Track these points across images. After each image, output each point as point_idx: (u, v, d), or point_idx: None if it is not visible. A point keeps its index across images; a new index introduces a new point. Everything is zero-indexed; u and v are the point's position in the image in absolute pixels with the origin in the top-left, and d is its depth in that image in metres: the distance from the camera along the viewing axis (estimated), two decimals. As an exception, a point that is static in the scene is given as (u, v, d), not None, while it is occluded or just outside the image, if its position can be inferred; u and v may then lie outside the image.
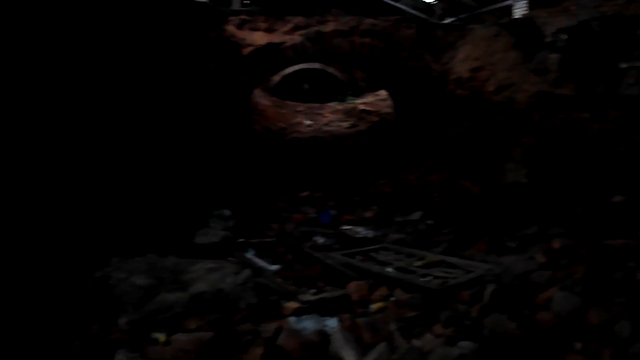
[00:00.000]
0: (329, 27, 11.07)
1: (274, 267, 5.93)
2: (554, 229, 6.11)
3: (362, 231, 7.84)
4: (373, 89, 18.34)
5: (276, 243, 6.97)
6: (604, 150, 6.75)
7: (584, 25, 7.92)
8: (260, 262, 6.00)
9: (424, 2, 14.48)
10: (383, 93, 16.25)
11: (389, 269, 5.64)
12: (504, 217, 7.09)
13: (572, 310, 3.96)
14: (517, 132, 8.49)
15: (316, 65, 18.74)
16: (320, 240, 7.30)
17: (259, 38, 10.71)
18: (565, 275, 4.62)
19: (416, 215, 8.31)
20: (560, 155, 7.43)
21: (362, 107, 17.19)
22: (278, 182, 10.54)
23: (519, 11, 11.92)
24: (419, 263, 5.83)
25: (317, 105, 18.78)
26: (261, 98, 16.55)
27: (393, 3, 14.19)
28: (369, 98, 17.94)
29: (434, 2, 14.47)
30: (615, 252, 4.84)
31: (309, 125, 16.40)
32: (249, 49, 10.43)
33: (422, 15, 13.73)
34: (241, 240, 6.73)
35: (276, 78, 18.67)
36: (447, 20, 13.40)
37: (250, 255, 6.25)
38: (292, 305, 4.57)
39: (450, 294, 4.71)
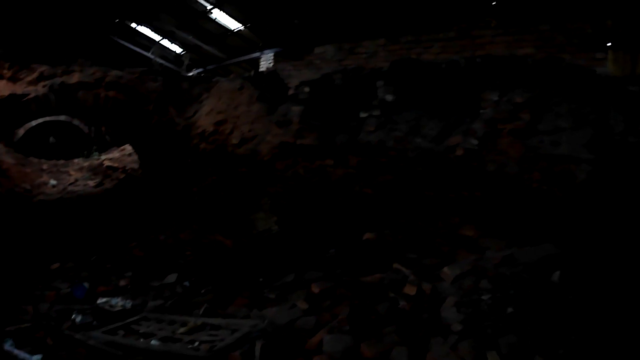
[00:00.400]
0: (74, 78, 10.27)
1: (36, 358, 5.08)
2: (311, 274, 6.16)
3: (119, 302, 7.10)
4: (119, 143, 17.67)
5: (33, 328, 5.99)
6: (349, 193, 7.08)
7: (326, 78, 8.38)
8: (21, 354, 5.08)
9: (173, 52, 14.36)
10: (129, 148, 15.63)
11: (154, 342, 5.15)
12: (261, 268, 7.01)
13: (344, 349, 3.97)
14: (263, 183, 8.58)
15: (62, 118, 17.75)
16: (78, 318, 6.46)
17: (2, 88, 9.61)
18: (330, 317, 4.67)
19: (172, 278, 7.81)
20: (308, 200, 7.65)
21: (107, 163, 16.32)
22: (26, 255, 9.25)
23: (265, 64, 12.42)
24: (182, 329, 5.41)
25: (62, 162, 17.46)
26: (4, 155, 14.85)
27: (142, 52, 13.84)
28: (115, 153, 17.17)
29: (183, 53, 14.40)
30: (374, 286, 5.03)
31: (54, 186, 14.97)
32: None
33: (171, 66, 13.56)
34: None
35: (20, 131, 17.27)
36: (195, 72, 13.38)
37: (8, 346, 5.27)
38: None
39: (220, 357, 4.46)
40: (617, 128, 5.26)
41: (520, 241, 5.10)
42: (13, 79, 10.01)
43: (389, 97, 7.23)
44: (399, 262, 5.44)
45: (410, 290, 4.69)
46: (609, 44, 9.07)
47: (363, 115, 7.41)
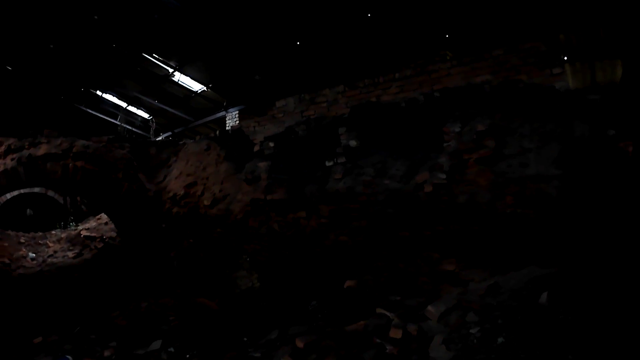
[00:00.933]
0: (42, 150, 10.17)
1: None
2: (294, 328, 6.02)
3: None
4: (95, 212, 17.58)
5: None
6: (325, 243, 7.00)
7: (290, 130, 8.39)
8: None
9: (140, 117, 14.40)
10: (105, 216, 15.50)
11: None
12: (245, 326, 6.87)
13: None
14: (239, 241, 8.48)
15: (36, 190, 17.78)
16: (63, 395, 6.29)
17: (-29, 163, 9.44)
18: None
19: (156, 345, 7.61)
20: (285, 254, 7.56)
21: (85, 233, 16.13)
22: (7, 330, 9.01)
23: (230, 122, 12.47)
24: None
25: (40, 234, 17.19)
26: None
27: (108, 119, 13.85)
28: (92, 222, 17.02)
29: (149, 117, 14.44)
30: (358, 334, 4.91)
31: (33, 259, 14.73)
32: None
33: (138, 132, 13.58)
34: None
35: None
36: (162, 136, 13.40)
37: None
38: None
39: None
40: (583, 138, 5.27)
41: (503, 268, 5.03)
42: (-19, 153, 9.90)
43: (353, 143, 7.23)
44: (382, 306, 5.31)
45: (396, 333, 4.57)
46: (565, 58, 9.19)
47: (329, 163, 7.39)
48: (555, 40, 9.53)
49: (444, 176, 5.84)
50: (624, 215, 4.61)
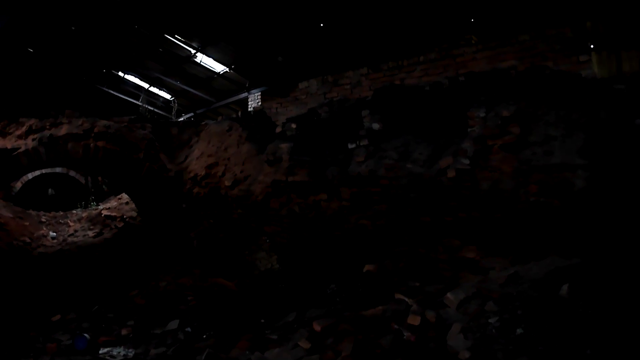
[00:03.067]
0: (63, 130, 10.28)
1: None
2: (312, 311, 6.04)
3: (121, 351, 6.98)
4: (116, 192, 17.72)
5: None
6: (345, 226, 6.97)
7: (312, 112, 8.34)
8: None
9: (162, 98, 14.42)
10: (126, 196, 15.60)
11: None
12: (263, 308, 6.88)
13: None
14: (260, 222, 8.47)
15: (58, 170, 17.89)
16: (80, 371, 6.37)
17: (-7, 143, 9.54)
18: (334, 355, 4.51)
19: (173, 325, 7.69)
20: (306, 237, 7.54)
21: (106, 212, 16.25)
22: (27, 307, 9.14)
23: (252, 103, 12.43)
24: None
25: (61, 213, 17.40)
26: (2, 209, 14.76)
27: (129, 99, 13.89)
28: (113, 202, 17.11)
29: (172, 99, 14.45)
30: (376, 319, 4.88)
31: (53, 238, 14.90)
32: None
33: (160, 112, 13.61)
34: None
35: (18, 185, 17.36)
36: (184, 117, 13.41)
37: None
38: None
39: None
40: (609, 128, 5.18)
41: (524, 257, 4.97)
42: (2, 134, 10.11)
43: (376, 126, 7.15)
44: (401, 291, 5.28)
45: (414, 320, 4.54)
46: (592, 46, 9.04)
47: (351, 146, 7.33)
48: (582, 27, 9.35)
49: (467, 162, 5.75)
50: None
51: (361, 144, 7.19)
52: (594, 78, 7.24)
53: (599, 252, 4.48)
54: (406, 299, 5.09)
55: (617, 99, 5.37)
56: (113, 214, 16.02)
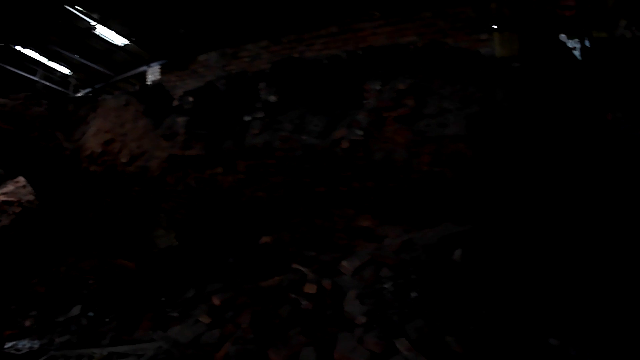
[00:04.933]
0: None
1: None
2: (212, 286, 6.00)
3: (26, 344, 6.69)
4: (13, 175, 16.72)
5: None
6: (242, 199, 6.92)
7: (210, 85, 8.19)
8: None
9: (59, 73, 13.69)
10: (23, 179, 14.79)
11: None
12: (163, 286, 6.77)
13: (250, 358, 3.87)
14: (157, 199, 8.28)
15: None
16: (-16, 366, 6.06)
17: None
18: (234, 327, 4.50)
19: (76, 310, 7.43)
20: (203, 211, 7.44)
21: (2, 198, 15.31)
22: None
23: (151, 77, 12.03)
24: (91, 363, 5.16)
25: None
26: None
27: (28, 75, 13.11)
28: (10, 187, 16.06)
29: (70, 74, 13.76)
30: (274, 290, 4.90)
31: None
32: None
33: (58, 88, 12.92)
34: None
35: None
36: (83, 92, 12.80)
37: None
38: None
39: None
40: (503, 103, 5.34)
41: (419, 225, 5.10)
42: None
43: (272, 98, 7.11)
44: (298, 262, 5.31)
45: (311, 288, 4.58)
46: (495, 27, 9.28)
47: (247, 118, 7.25)
48: (484, 7, 9.57)
49: (361, 133, 5.81)
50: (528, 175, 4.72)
51: (257, 116, 7.12)
52: (492, 56, 7.44)
53: (488, 219, 4.63)
54: (302, 269, 5.12)
55: (513, 75, 5.54)
56: (10, 198, 15.15)
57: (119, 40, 16.61)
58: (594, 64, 4.57)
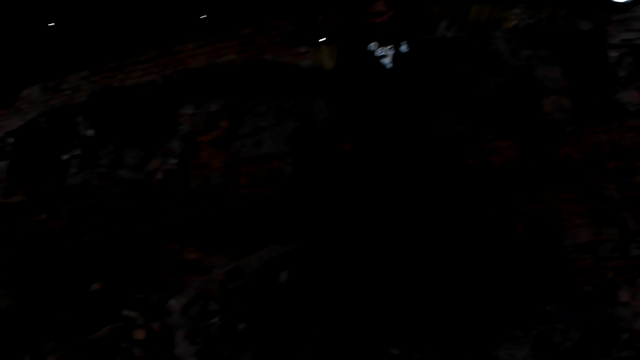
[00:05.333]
0: None
1: None
2: (47, 345, 5.54)
3: None
4: None
5: None
6: (69, 245, 6.57)
7: (32, 123, 7.76)
8: None
9: None
10: None
11: None
12: (-1, 353, 6.29)
13: None
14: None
15: None
16: None
17: None
18: None
19: None
20: (34, 263, 6.98)
21: None
22: None
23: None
24: None
25: None
26: None
27: None
28: None
29: None
30: (105, 341, 4.73)
31: None
32: None
33: None
34: None
35: None
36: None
37: None
38: None
39: None
40: (320, 115, 5.39)
41: (245, 251, 5.03)
42: None
43: (90, 132, 6.82)
44: (127, 306, 5.11)
45: (140, 334, 4.48)
46: (320, 40, 9.43)
47: (65, 157, 6.89)
48: (304, 20, 9.70)
49: (175, 161, 5.73)
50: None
51: (75, 153, 6.80)
52: (313, 68, 7.55)
53: (312, 235, 4.65)
54: (132, 314, 4.95)
55: (330, 87, 5.60)
56: None
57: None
58: (408, 69, 4.58)
